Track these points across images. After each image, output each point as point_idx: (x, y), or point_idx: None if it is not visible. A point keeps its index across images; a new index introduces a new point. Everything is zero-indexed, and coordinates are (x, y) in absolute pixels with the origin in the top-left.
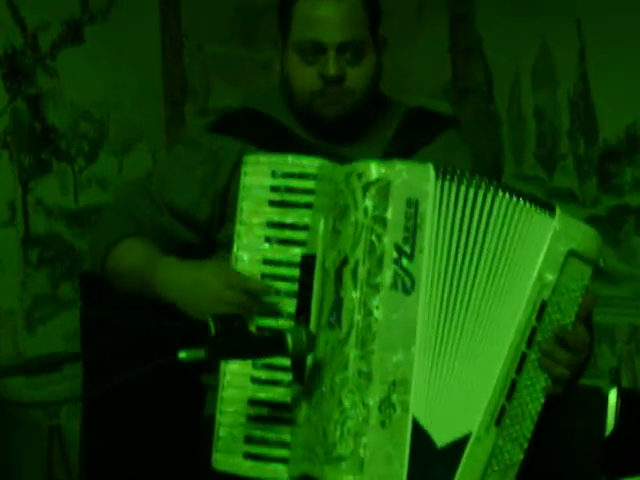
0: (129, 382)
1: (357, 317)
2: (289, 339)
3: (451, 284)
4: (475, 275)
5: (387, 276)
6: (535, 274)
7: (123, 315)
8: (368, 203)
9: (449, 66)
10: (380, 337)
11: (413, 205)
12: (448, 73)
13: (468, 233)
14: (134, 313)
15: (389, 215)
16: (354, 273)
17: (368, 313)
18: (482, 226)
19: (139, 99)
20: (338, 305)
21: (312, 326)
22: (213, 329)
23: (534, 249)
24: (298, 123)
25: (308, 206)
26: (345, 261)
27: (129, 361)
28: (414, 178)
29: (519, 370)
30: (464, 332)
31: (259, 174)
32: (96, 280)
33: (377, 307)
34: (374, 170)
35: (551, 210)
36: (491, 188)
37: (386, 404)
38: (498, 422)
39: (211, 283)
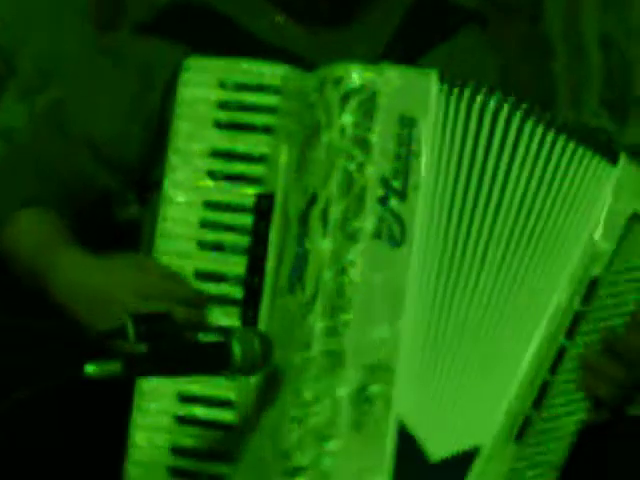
0: (12, 409)
1: (326, 275)
2: (236, 349)
3: (456, 238)
4: (493, 229)
5: (369, 221)
6: (583, 240)
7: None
8: (346, 119)
9: None
10: (357, 304)
11: (407, 125)
12: None
13: (483, 170)
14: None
15: (374, 137)
16: (324, 216)
17: (341, 271)
18: (505, 162)
19: (59, 21)
20: (301, 260)
21: (266, 293)
22: (132, 333)
23: (584, 205)
24: (272, 4)
25: (267, 130)
26: (313, 200)
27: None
28: (411, 88)
29: (554, 369)
30: (474, 306)
31: (203, 84)
32: None
33: (354, 263)
34: (356, 75)
35: (612, 156)
36: (522, 112)
37: (362, 397)
38: (519, 436)
39: (121, 293)
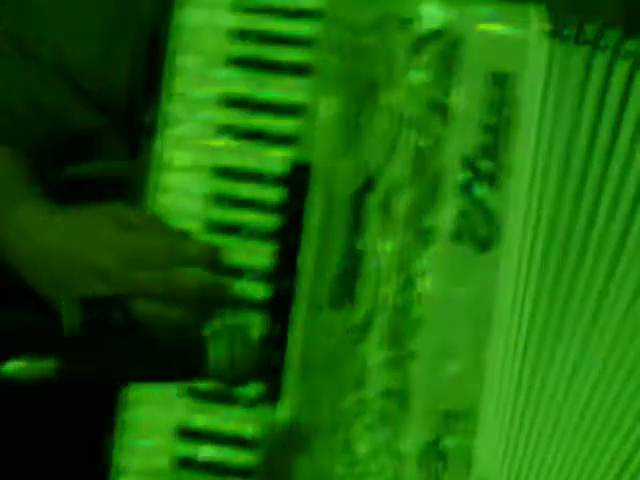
0: None
1: (387, 289)
2: (213, 351)
3: (567, 243)
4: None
5: (447, 215)
6: None
7: None
8: (416, 76)
9: None
10: (429, 328)
11: (501, 84)
12: None
13: (611, 150)
14: None
15: (455, 100)
16: (385, 208)
17: (408, 283)
18: None
19: None
20: (352, 265)
21: (301, 300)
22: (71, 324)
23: None
24: None
25: (301, 71)
26: (369, 185)
27: None
28: (506, 34)
29: None
30: (593, 339)
31: (212, 4)
32: None
33: (425, 272)
34: (433, 14)
35: None
36: None
37: (433, 453)
38: None
39: (98, 257)
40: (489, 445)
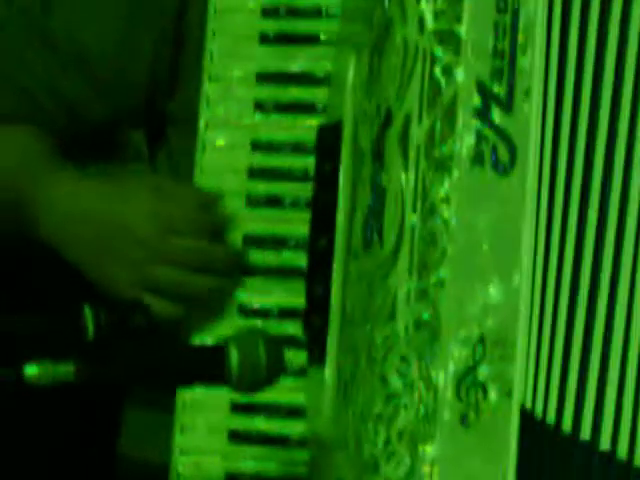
0: None
1: (410, 219)
2: (233, 356)
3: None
4: None
5: (464, 141)
6: None
7: None
8: (425, 7)
9: None
10: (455, 255)
11: (508, 11)
12: None
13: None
14: None
15: (464, 28)
16: (403, 139)
17: (431, 211)
18: None
19: None
20: (378, 203)
21: (338, 257)
22: (91, 327)
23: None
24: None
25: (330, 41)
26: (388, 120)
27: None
28: None
29: None
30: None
31: None
32: None
33: (447, 199)
34: None
35: None
36: None
37: (469, 382)
38: None
39: (139, 224)
40: (528, 371)
